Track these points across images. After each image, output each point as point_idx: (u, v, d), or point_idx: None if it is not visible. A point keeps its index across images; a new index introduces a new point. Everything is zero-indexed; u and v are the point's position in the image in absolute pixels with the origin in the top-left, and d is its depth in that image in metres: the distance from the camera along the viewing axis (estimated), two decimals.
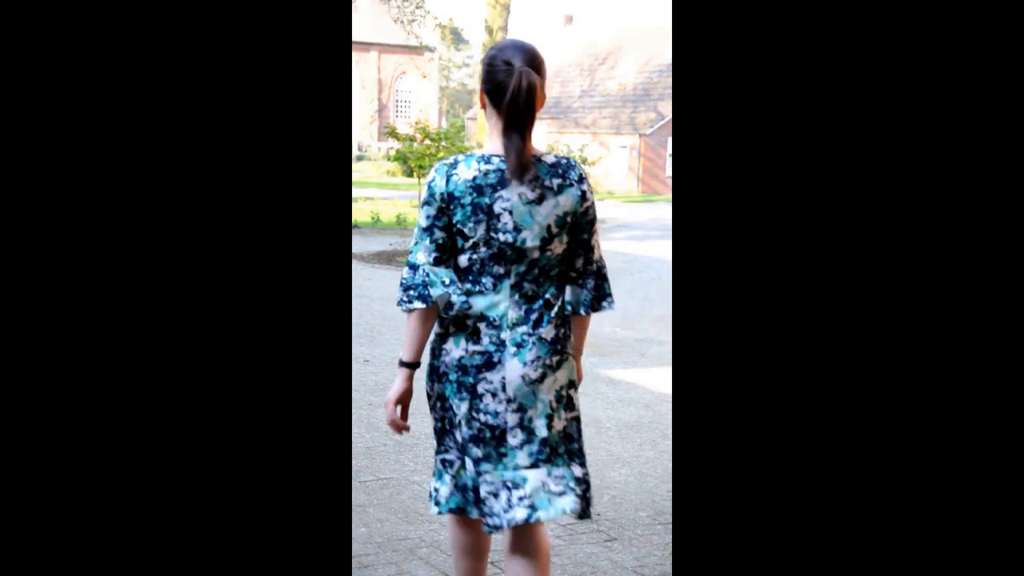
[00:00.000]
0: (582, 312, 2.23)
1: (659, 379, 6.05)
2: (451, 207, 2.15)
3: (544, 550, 2.27)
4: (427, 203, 2.19)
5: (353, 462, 3.95)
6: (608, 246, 15.08)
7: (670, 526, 3.41)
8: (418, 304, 2.16)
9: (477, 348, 2.16)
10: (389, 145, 36.83)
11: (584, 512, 2.25)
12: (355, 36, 43.28)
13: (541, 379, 2.16)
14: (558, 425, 2.21)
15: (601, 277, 2.26)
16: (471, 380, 2.16)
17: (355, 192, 22.26)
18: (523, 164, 2.12)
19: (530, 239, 2.15)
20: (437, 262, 2.18)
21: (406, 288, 2.18)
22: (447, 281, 2.17)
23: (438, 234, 2.18)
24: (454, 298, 2.16)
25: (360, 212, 16.99)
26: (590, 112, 36.29)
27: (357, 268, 10.52)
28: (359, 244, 12.72)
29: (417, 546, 3.13)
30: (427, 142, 15.27)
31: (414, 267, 2.19)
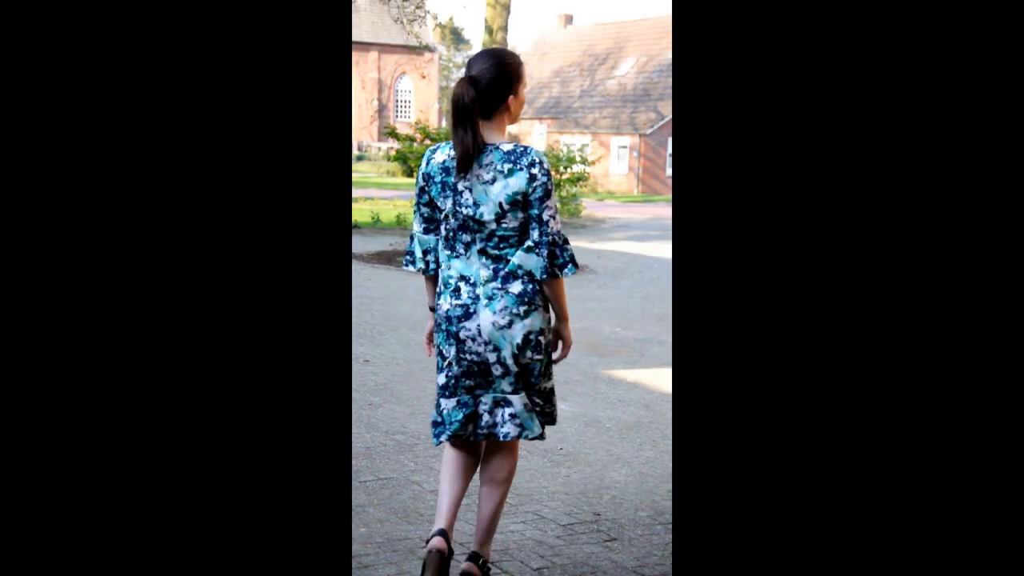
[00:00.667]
0: (538, 277, 2.63)
1: (659, 379, 6.05)
2: (428, 185, 2.68)
3: (515, 453, 2.84)
4: (417, 183, 2.74)
5: (353, 462, 3.95)
6: (608, 246, 15.08)
7: (670, 526, 3.41)
8: (410, 267, 2.78)
9: (458, 302, 2.65)
10: (389, 145, 36.81)
11: (542, 435, 2.78)
12: (355, 36, 43.24)
13: (509, 325, 2.63)
14: (523, 361, 2.67)
15: (555, 246, 2.63)
16: (455, 328, 2.65)
17: (355, 192, 22.25)
18: (464, 157, 2.58)
19: (487, 213, 2.59)
20: (426, 231, 2.74)
21: (406, 252, 2.80)
22: (427, 250, 2.74)
23: (423, 208, 2.72)
24: (420, 264, 2.74)
25: (360, 212, 16.98)
26: (590, 112, 36.28)
27: (357, 268, 10.53)
28: (359, 244, 12.72)
29: (417, 546, 3.13)
30: (427, 142, 15.27)
31: (412, 236, 2.77)
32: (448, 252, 2.67)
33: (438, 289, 2.71)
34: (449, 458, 2.80)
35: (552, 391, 2.79)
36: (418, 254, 2.75)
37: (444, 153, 2.66)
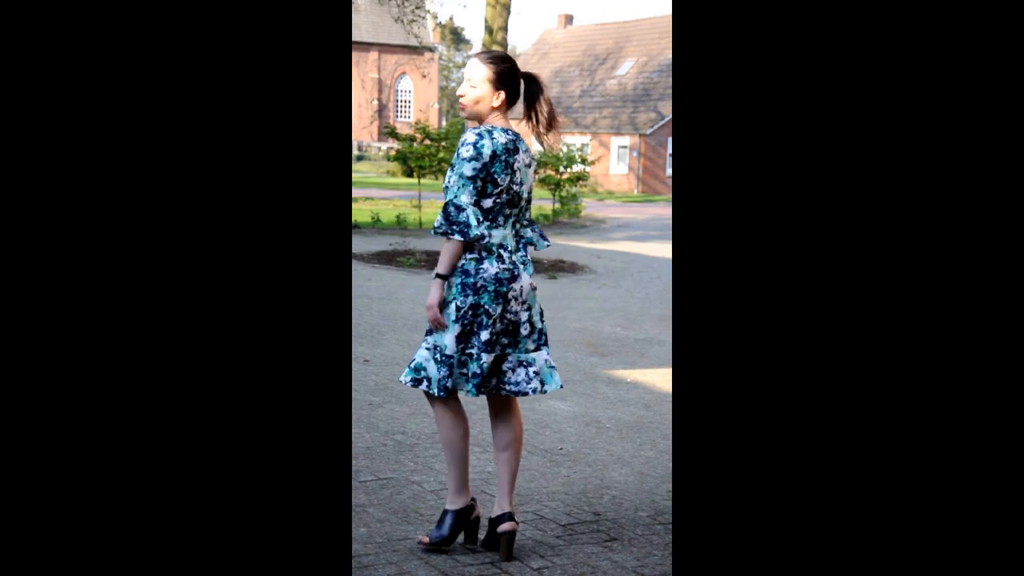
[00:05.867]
0: (539, 248, 3.20)
1: (659, 379, 6.05)
2: (493, 162, 2.93)
3: (519, 413, 3.15)
4: (479, 159, 2.91)
5: (353, 462, 3.95)
6: (608, 246, 15.08)
7: (670, 526, 3.41)
8: (457, 237, 2.93)
9: (504, 266, 2.98)
10: (389, 145, 36.83)
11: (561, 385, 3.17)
12: (355, 36, 43.23)
13: (534, 288, 3.09)
14: (543, 322, 3.10)
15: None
16: (504, 288, 2.96)
17: (355, 192, 22.26)
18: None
19: (526, 192, 3.06)
20: (473, 203, 2.95)
21: (452, 223, 2.93)
22: (479, 219, 2.94)
23: (478, 183, 2.93)
24: (478, 231, 2.93)
25: (360, 212, 16.98)
26: (590, 112, 36.28)
27: (357, 268, 10.53)
28: (359, 244, 12.73)
29: (417, 546, 3.13)
30: (427, 142, 15.27)
31: (460, 207, 2.92)
32: (489, 223, 2.97)
33: (477, 255, 2.96)
34: (461, 418, 3.08)
35: None
36: (474, 222, 2.92)
37: (504, 136, 2.96)
